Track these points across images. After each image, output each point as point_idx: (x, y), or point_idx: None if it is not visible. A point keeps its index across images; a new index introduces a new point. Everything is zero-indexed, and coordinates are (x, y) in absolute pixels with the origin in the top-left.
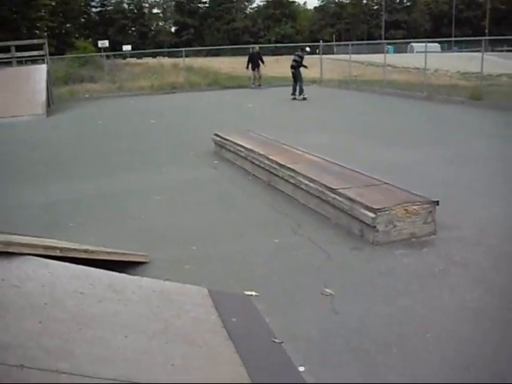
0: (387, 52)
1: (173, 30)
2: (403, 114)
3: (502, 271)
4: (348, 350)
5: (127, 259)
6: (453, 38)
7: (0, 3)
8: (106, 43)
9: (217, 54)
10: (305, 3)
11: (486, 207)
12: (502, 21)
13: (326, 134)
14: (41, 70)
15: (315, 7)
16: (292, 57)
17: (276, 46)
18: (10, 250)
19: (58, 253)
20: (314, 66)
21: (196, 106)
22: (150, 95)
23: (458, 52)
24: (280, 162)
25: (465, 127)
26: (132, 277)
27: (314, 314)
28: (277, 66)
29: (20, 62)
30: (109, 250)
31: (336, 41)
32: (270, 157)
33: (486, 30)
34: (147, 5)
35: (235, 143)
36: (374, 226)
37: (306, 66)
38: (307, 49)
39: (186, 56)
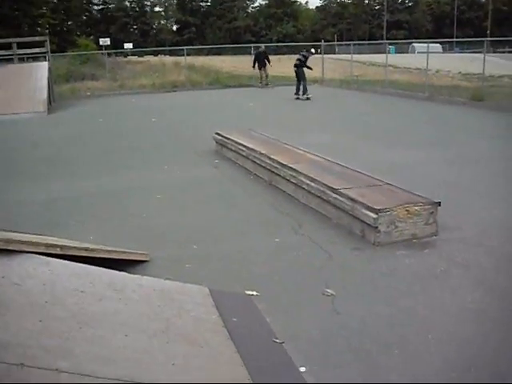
0: (389, 52)
1: (174, 28)
2: (405, 114)
3: (503, 272)
4: (349, 351)
5: (127, 257)
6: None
7: (2, 0)
8: (108, 41)
9: (218, 52)
10: (306, 3)
11: (488, 208)
12: (503, 22)
13: (327, 133)
14: (42, 68)
15: (317, 7)
16: (295, 56)
17: (278, 46)
18: (10, 248)
19: (58, 251)
20: (316, 65)
21: (197, 104)
22: (152, 93)
23: (459, 53)
24: (281, 161)
25: (466, 128)
26: (132, 275)
27: (314, 315)
28: (279, 65)
29: (21, 59)
30: (109, 249)
31: (338, 40)
32: (272, 156)
33: (488, 31)
34: (149, 3)
35: (236, 142)
36: (376, 227)
37: (310, 68)
38: (312, 50)
39: (188, 54)
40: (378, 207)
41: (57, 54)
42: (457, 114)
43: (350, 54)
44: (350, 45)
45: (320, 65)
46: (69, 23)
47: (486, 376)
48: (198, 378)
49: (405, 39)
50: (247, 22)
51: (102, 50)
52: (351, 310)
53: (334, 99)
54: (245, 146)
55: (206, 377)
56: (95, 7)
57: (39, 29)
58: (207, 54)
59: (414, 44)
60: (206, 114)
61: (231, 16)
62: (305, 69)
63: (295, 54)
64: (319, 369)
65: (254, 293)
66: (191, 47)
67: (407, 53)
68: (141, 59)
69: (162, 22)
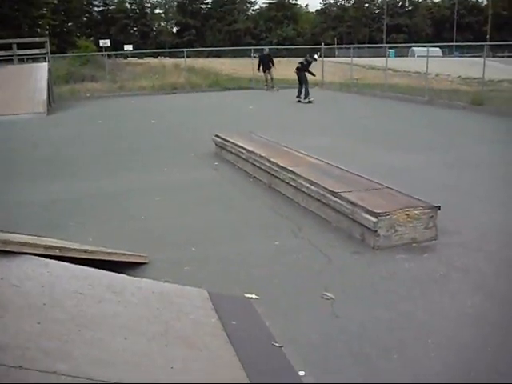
0: (388, 56)
1: (174, 30)
2: (404, 118)
3: (502, 277)
4: (348, 355)
5: (127, 260)
6: (454, 43)
7: (2, 1)
8: (108, 42)
9: (218, 55)
10: (307, 6)
11: (487, 212)
12: (503, 26)
13: (327, 136)
14: (42, 69)
15: (317, 10)
16: (295, 59)
17: (278, 48)
18: (9, 249)
19: (57, 252)
20: (316, 68)
21: (197, 106)
22: (151, 95)
23: (459, 57)
24: (281, 164)
25: (466, 132)
26: (131, 278)
27: (314, 318)
28: (279, 67)
29: (21, 60)
30: (108, 251)
31: (337, 44)
32: (271, 159)
33: (488, 36)
34: (149, 5)
35: (236, 145)
36: (376, 231)
37: (312, 74)
38: (315, 56)
39: (188, 57)
40: (378, 211)
41: (57, 55)
42: (456, 118)
43: (349, 57)
44: (349, 48)
45: (320, 68)
46: (69, 24)
47: (486, 380)
48: (197, 382)
49: (404, 43)
50: (247, 25)
51: (101, 51)
52: (351, 313)
53: (333, 102)
54: (244, 149)
55: (205, 380)
56: (95, 8)
57: (39, 30)
58: (207, 57)
59: (414, 48)
60: (206, 116)
61: (231, 18)
62: (307, 73)
63: (295, 57)
64: (318, 373)
65: (254, 296)
66: (191, 49)
67: (407, 56)
68: (141, 61)
69: (162, 23)
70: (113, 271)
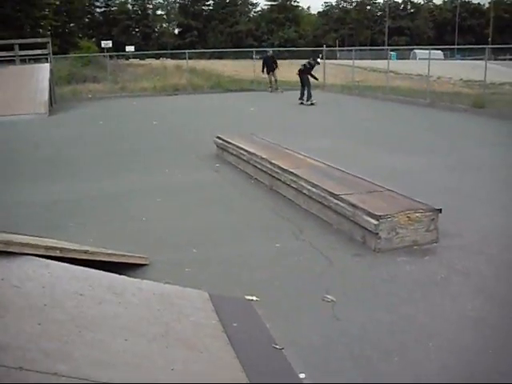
0: (390, 58)
1: (176, 31)
2: (406, 120)
3: (503, 280)
4: (349, 357)
5: (127, 261)
6: (456, 46)
7: (4, 1)
8: (110, 43)
9: (220, 56)
10: (308, 8)
11: (489, 215)
12: (505, 29)
13: (328, 138)
14: (44, 69)
15: (319, 12)
16: (296, 61)
17: (279, 50)
18: (10, 250)
19: (58, 253)
20: (317, 71)
21: (198, 108)
22: (153, 96)
23: (460, 60)
24: (282, 166)
25: (468, 135)
26: (132, 279)
27: (315, 321)
28: (281, 70)
29: (23, 61)
30: (109, 252)
31: (339, 46)
32: (273, 161)
33: (490, 39)
34: (151, 6)
35: (237, 146)
36: (377, 233)
37: (315, 78)
38: (318, 60)
39: (189, 58)
40: (379, 213)
41: (58, 55)
42: (458, 120)
43: (351, 59)
44: (351, 50)
45: (321, 70)
46: (71, 25)
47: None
48: (197, 383)
49: (406, 45)
50: (249, 27)
51: (103, 52)
52: (351, 316)
53: (335, 105)
54: (246, 151)
55: (206, 382)
56: (97, 10)
57: (41, 30)
58: (209, 58)
59: (416, 50)
60: (207, 117)
61: (233, 20)
62: (309, 76)
63: (297, 59)
64: (319, 375)
65: (254, 298)
66: (193, 51)
67: (409, 59)
68: (142, 62)
69: (164, 25)
70: (113, 272)
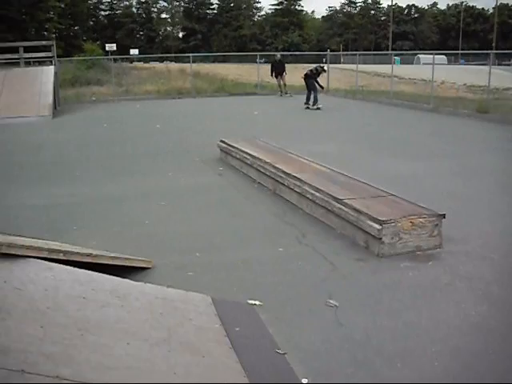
0: (394, 63)
1: (180, 35)
2: (410, 125)
3: (506, 286)
4: (352, 363)
5: (130, 264)
6: (460, 51)
7: (9, 4)
8: (114, 46)
9: (224, 60)
10: (313, 12)
11: (492, 221)
12: (509, 34)
13: (332, 143)
14: (48, 72)
15: (323, 16)
16: (300, 65)
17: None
18: (13, 252)
19: (61, 256)
20: (321, 75)
21: (202, 111)
22: (157, 100)
23: (464, 65)
24: (286, 170)
25: (471, 140)
26: (135, 282)
27: (318, 326)
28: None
29: (28, 63)
30: (112, 255)
31: (343, 50)
32: (276, 165)
33: (493, 44)
34: (156, 10)
35: (241, 150)
36: (380, 238)
37: (321, 86)
38: (325, 68)
39: (193, 62)
40: (383, 218)
41: (63, 58)
42: (462, 125)
43: (355, 64)
44: (355, 55)
45: (325, 74)
46: (75, 28)
47: None
48: None
49: (410, 50)
50: (253, 31)
51: (108, 55)
52: (354, 321)
53: (339, 109)
54: (249, 155)
55: None
56: (102, 13)
57: (46, 33)
58: (213, 62)
59: (420, 55)
60: (211, 121)
61: (237, 24)
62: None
63: (301, 63)
64: (321, 380)
65: (257, 302)
66: (197, 54)
67: (412, 64)
68: (146, 65)
69: (169, 28)
70: (117, 276)
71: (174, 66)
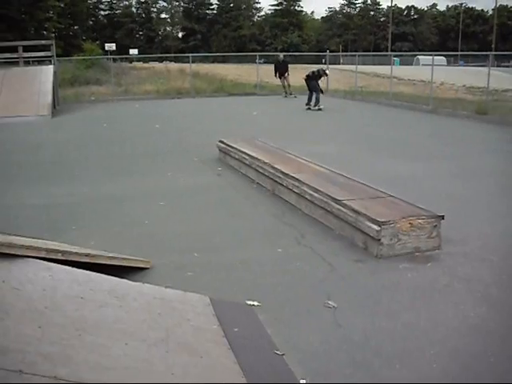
0: (393, 64)
1: (180, 35)
2: (409, 126)
3: (505, 287)
4: (350, 364)
5: (129, 264)
6: (459, 52)
7: (9, 3)
8: (113, 46)
9: (223, 60)
10: (312, 13)
11: (491, 222)
12: (508, 36)
13: (331, 144)
14: (47, 71)
15: (322, 17)
16: (299, 66)
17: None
18: (12, 252)
19: (59, 256)
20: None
21: (201, 111)
22: (156, 100)
23: (463, 66)
24: (284, 170)
25: (470, 141)
26: (133, 283)
27: (316, 327)
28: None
29: (27, 63)
30: (110, 255)
31: (342, 51)
32: (275, 165)
33: (493, 45)
34: (155, 10)
35: (240, 150)
36: (379, 239)
37: (321, 91)
38: (327, 72)
39: (193, 62)
40: (381, 219)
41: (62, 58)
42: (461, 127)
43: (354, 64)
44: (354, 56)
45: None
46: (75, 28)
47: None
48: None
49: (409, 51)
50: (253, 31)
51: (107, 55)
52: (353, 322)
53: (338, 110)
54: (248, 155)
55: None
56: (101, 12)
57: (45, 32)
58: (212, 62)
59: (419, 56)
60: (210, 121)
61: (237, 24)
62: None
63: (300, 63)
64: (320, 381)
65: (256, 303)
66: (196, 54)
67: (412, 65)
68: (146, 65)
69: (168, 28)
70: (115, 276)
71: (173, 66)
